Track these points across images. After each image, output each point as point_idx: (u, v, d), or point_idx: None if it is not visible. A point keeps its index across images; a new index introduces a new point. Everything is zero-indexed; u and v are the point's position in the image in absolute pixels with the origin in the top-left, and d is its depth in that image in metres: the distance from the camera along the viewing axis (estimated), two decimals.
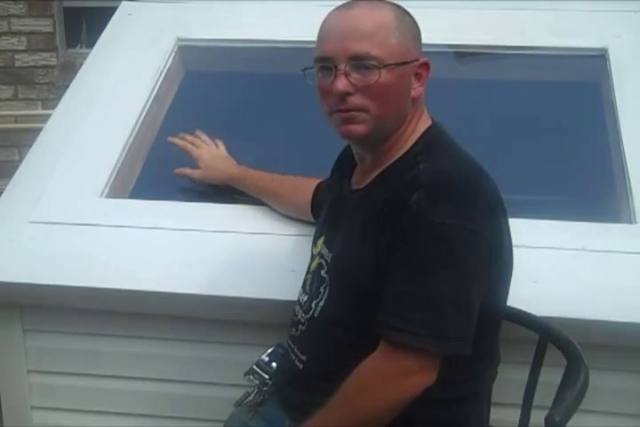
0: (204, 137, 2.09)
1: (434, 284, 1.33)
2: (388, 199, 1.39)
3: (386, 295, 1.36)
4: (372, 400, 1.35)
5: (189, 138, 2.09)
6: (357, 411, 1.36)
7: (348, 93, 1.40)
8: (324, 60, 1.43)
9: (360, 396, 1.36)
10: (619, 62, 2.22)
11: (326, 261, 1.54)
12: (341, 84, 1.40)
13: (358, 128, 1.43)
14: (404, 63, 1.41)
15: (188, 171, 2.06)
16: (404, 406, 1.35)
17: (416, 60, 1.44)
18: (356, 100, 1.41)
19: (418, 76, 1.45)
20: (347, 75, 1.40)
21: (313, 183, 1.82)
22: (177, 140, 2.09)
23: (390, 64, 1.39)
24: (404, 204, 1.34)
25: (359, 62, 1.39)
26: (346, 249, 1.48)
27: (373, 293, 1.38)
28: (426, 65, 1.46)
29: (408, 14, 1.47)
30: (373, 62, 1.38)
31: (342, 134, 1.46)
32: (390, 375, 1.35)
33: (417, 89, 1.45)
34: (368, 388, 1.36)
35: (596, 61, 2.26)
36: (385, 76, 1.39)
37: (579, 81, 2.32)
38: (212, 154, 2.06)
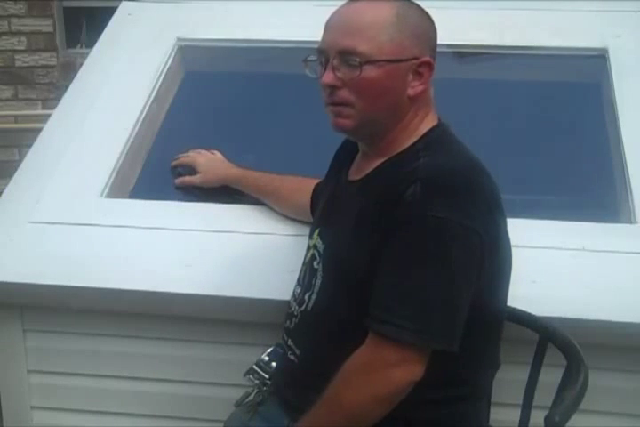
0: (198, 150, 2.12)
1: (422, 278, 1.33)
2: (385, 192, 1.39)
3: (375, 287, 1.36)
4: (356, 393, 1.35)
5: (181, 154, 2.13)
6: (343, 404, 1.37)
7: (335, 87, 1.43)
8: (319, 52, 1.46)
9: (345, 388, 1.36)
10: (619, 62, 2.22)
11: (319, 252, 1.54)
12: (327, 77, 1.43)
13: (345, 122, 1.46)
14: (397, 61, 1.41)
15: (187, 178, 2.08)
16: (392, 399, 1.35)
17: (415, 58, 1.43)
18: (342, 93, 1.43)
19: (418, 74, 1.44)
20: (335, 69, 1.42)
21: (312, 183, 1.82)
22: (173, 163, 2.13)
23: (378, 60, 1.40)
24: (400, 197, 1.35)
25: (346, 56, 1.41)
26: (340, 240, 1.48)
27: (367, 284, 1.38)
28: (428, 64, 1.45)
29: (415, 14, 1.46)
30: (357, 58, 1.40)
31: (333, 127, 1.49)
32: (373, 367, 1.35)
33: (415, 88, 1.45)
34: (352, 380, 1.36)
35: (596, 61, 2.26)
36: (370, 72, 1.40)
37: (579, 81, 2.32)
38: (207, 158, 2.09)
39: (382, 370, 1.34)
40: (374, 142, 1.50)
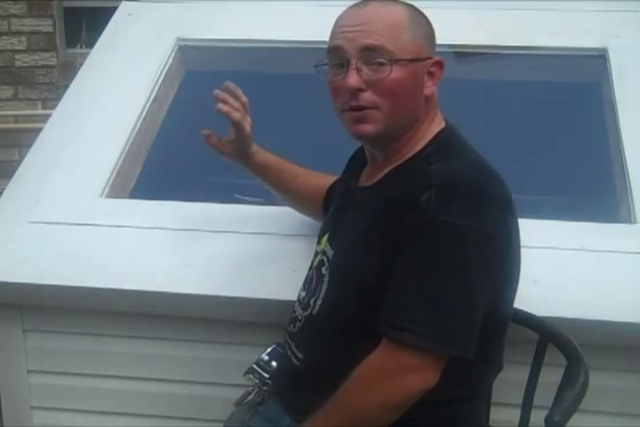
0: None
1: (438, 284, 1.32)
2: (397, 198, 1.38)
3: (390, 294, 1.35)
4: (369, 398, 1.34)
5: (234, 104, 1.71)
6: (355, 409, 1.36)
7: (360, 90, 1.40)
8: (336, 49, 1.42)
9: (357, 393, 1.36)
10: (619, 62, 2.22)
11: (328, 258, 1.53)
12: (353, 79, 1.39)
13: (369, 128, 1.43)
14: (417, 60, 1.41)
15: (218, 141, 1.70)
16: (403, 406, 1.34)
17: (429, 58, 1.44)
18: (367, 96, 1.40)
19: (431, 74, 1.45)
20: (358, 70, 1.39)
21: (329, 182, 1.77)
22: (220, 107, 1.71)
23: (403, 59, 1.39)
24: (414, 203, 1.33)
25: (371, 55, 1.38)
26: (349, 246, 1.47)
27: (377, 291, 1.37)
28: (439, 64, 1.46)
29: (421, 15, 1.47)
30: (385, 56, 1.38)
31: (353, 134, 1.46)
32: (388, 373, 1.34)
33: (430, 87, 1.45)
34: (365, 385, 1.35)
35: (596, 61, 2.27)
36: (397, 72, 1.39)
37: (579, 81, 2.32)
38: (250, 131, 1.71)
39: (397, 377, 1.33)
40: (388, 146, 1.48)
